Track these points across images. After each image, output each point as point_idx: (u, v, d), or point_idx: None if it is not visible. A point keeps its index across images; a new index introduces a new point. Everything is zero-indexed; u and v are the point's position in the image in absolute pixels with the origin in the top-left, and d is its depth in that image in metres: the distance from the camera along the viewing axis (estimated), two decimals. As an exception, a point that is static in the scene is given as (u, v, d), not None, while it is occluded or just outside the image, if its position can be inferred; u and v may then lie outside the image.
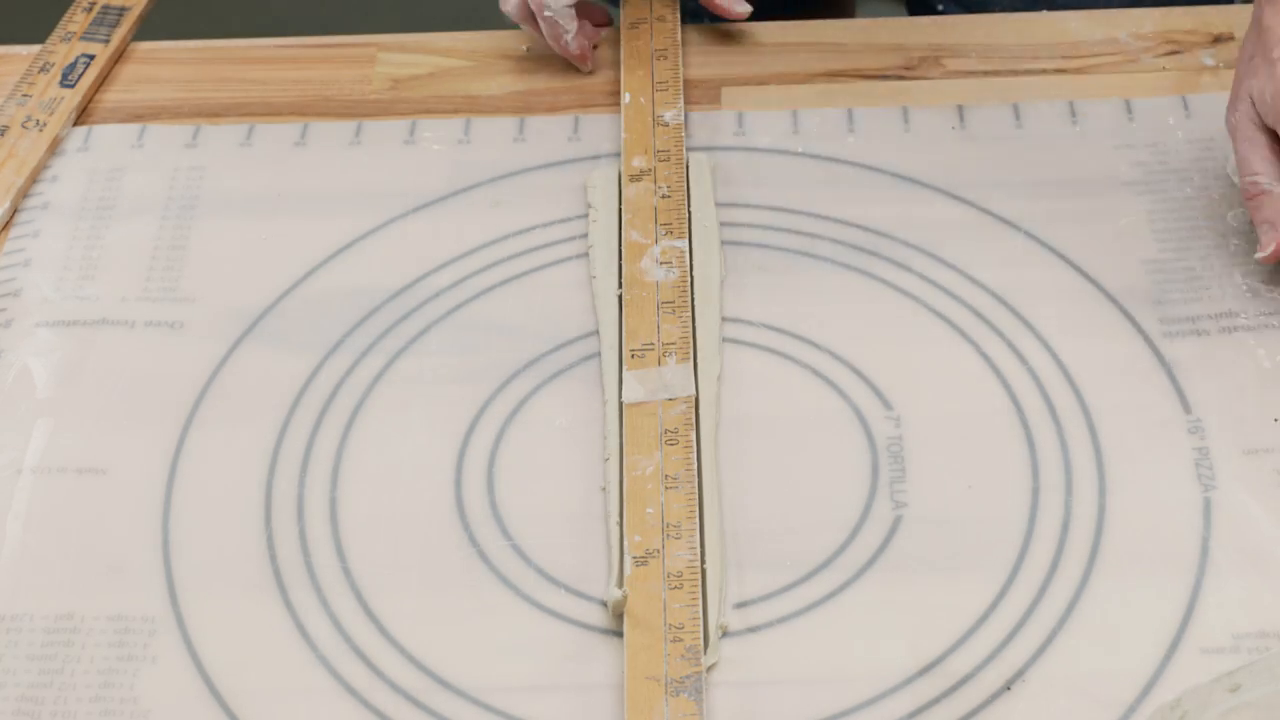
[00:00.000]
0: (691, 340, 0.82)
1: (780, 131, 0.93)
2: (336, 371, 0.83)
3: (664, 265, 0.85)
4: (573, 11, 0.94)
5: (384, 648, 0.72)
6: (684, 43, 0.98)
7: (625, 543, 0.74)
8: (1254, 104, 0.80)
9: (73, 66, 0.98)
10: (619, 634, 0.72)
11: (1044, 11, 1.00)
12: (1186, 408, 0.79)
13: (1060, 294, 0.84)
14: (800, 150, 0.92)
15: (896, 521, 0.75)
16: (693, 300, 0.84)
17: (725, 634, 0.72)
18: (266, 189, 0.92)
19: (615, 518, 0.75)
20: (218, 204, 0.91)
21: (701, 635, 0.71)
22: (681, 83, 0.95)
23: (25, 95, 0.96)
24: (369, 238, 0.89)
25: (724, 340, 0.83)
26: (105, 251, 0.89)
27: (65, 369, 0.83)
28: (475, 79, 0.98)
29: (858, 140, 0.92)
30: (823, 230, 0.88)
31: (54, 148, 0.94)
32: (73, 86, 0.97)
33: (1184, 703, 0.63)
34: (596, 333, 0.83)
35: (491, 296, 0.86)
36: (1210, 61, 0.95)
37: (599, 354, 0.82)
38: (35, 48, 1.00)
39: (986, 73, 0.96)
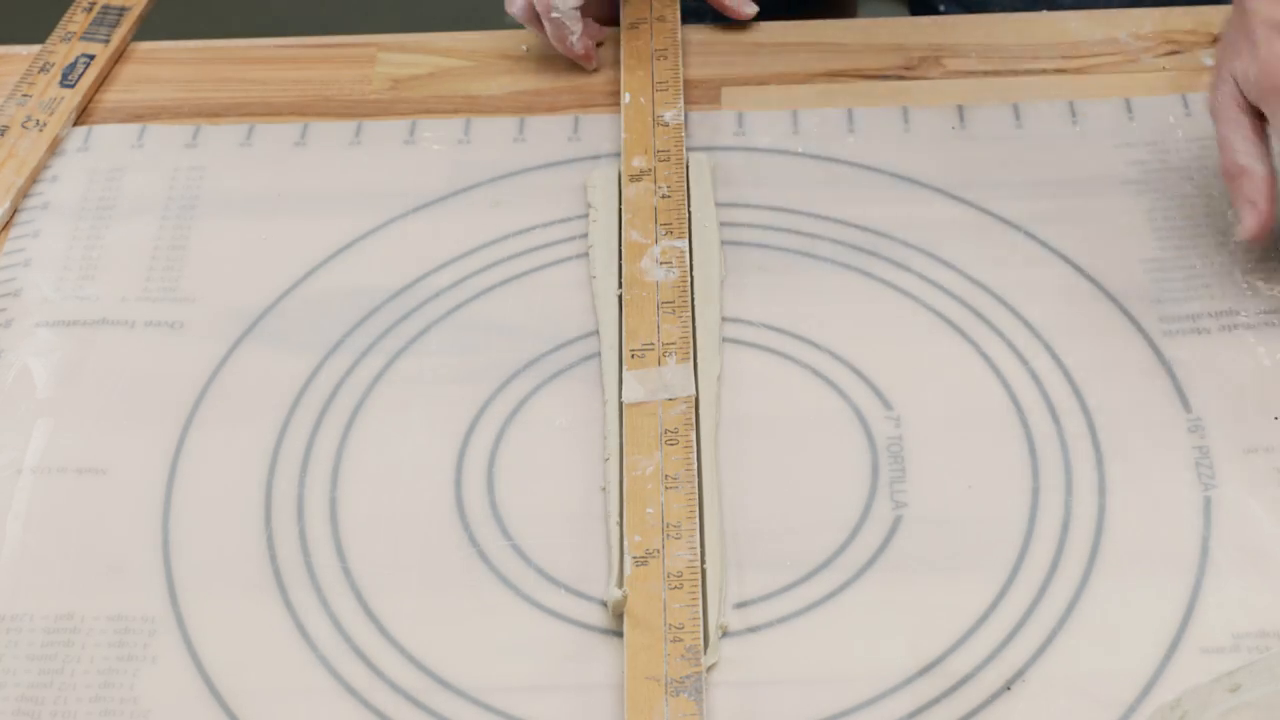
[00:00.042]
0: (691, 340, 0.82)
1: (780, 131, 0.93)
2: (336, 371, 0.83)
3: (664, 265, 0.85)
4: (578, 13, 0.95)
5: (384, 648, 0.72)
6: (684, 42, 0.98)
7: (625, 543, 0.74)
8: (1237, 84, 0.79)
9: (73, 66, 0.98)
10: (619, 634, 0.72)
11: (1044, 11, 1.00)
12: (1186, 406, 0.79)
13: (1060, 294, 0.84)
14: (800, 150, 0.92)
15: (896, 521, 0.75)
16: (693, 300, 0.84)
17: (725, 634, 0.72)
18: (266, 189, 0.92)
19: (615, 518, 0.75)
20: (218, 204, 0.91)
21: (701, 635, 0.71)
22: (681, 83, 0.95)
23: (25, 95, 0.96)
24: (369, 238, 0.89)
25: (724, 340, 0.83)
26: (105, 251, 0.89)
27: (65, 369, 0.83)
28: (475, 79, 0.98)
29: (858, 140, 0.92)
30: (823, 230, 0.88)
31: (54, 148, 0.94)
32: (73, 86, 0.97)
33: (1184, 703, 0.63)
34: (596, 333, 0.83)
35: (491, 296, 0.86)
36: (1210, 61, 0.94)
37: (599, 354, 0.82)
38: (35, 48, 1.00)
39: (986, 73, 0.96)
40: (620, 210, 0.88)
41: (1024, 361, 0.81)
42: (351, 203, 0.90)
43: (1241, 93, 0.79)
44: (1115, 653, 0.70)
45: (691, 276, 0.85)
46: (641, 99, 0.94)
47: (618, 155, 0.91)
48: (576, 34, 0.95)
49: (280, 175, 0.92)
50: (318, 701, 0.71)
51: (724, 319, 0.84)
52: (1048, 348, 0.82)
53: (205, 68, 0.99)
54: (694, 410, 0.79)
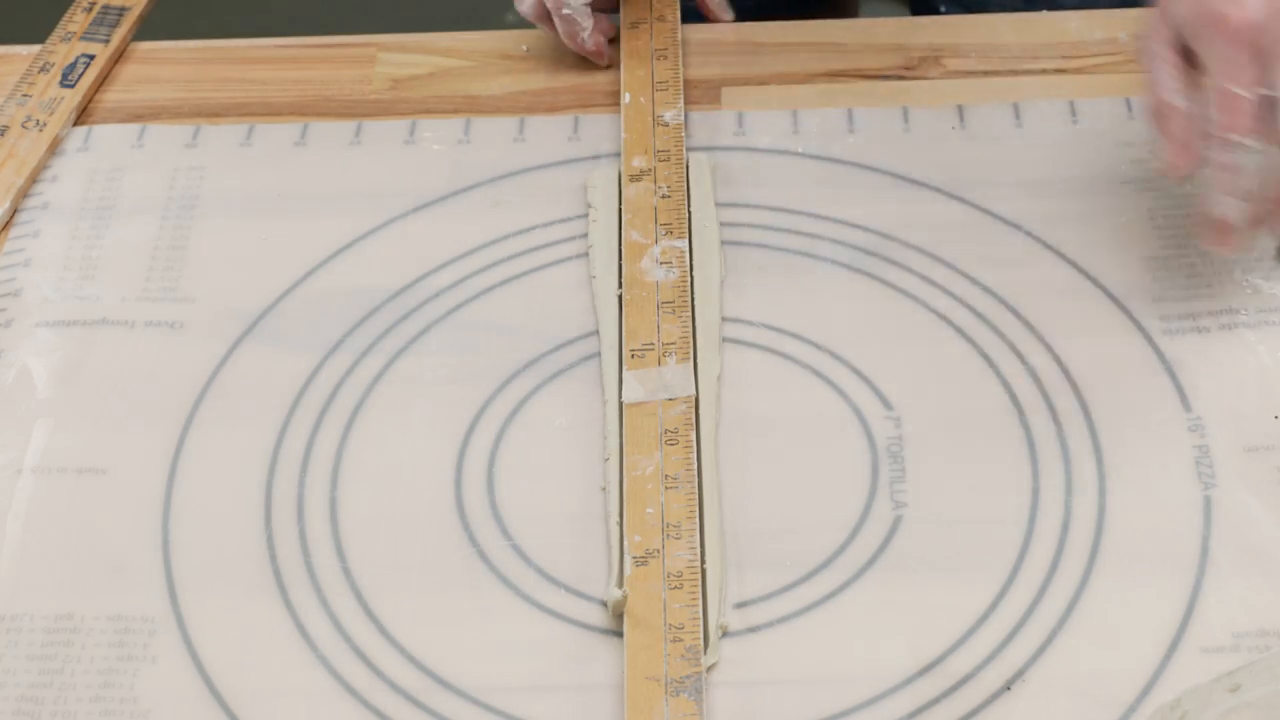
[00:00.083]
0: (691, 340, 0.82)
1: (780, 131, 0.93)
2: (336, 371, 0.83)
3: (664, 265, 0.85)
4: (589, 9, 0.94)
5: (384, 648, 0.72)
6: (684, 42, 0.98)
7: (625, 543, 0.74)
8: (1169, 24, 0.78)
9: (73, 66, 0.98)
10: (619, 634, 0.72)
11: (1044, 11, 1.00)
12: (1187, 406, 0.79)
13: (1060, 293, 0.84)
14: (800, 150, 0.92)
15: (896, 521, 0.75)
16: (693, 300, 0.84)
17: (725, 634, 0.72)
18: (266, 189, 0.92)
19: (615, 518, 0.75)
20: (218, 204, 0.91)
21: (701, 635, 0.71)
22: (681, 82, 0.95)
23: (25, 95, 0.96)
24: (369, 238, 0.89)
25: (724, 340, 0.83)
26: (105, 251, 0.89)
27: (65, 369, 0.83)
28: (475, 79, 0.98)
29: (858, 140, 0.92)
30: (823, 230, 0.88)
31: (54, 148, 0.94)
32: (73, 86, 0.97)
33: (1184, 703, 0.63)
34: (596, 333, 0.83)
35: (491, 296, 0.86)
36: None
37: (599, 354, 0.82)
38: (35, 48, 1.00)
39: (986, 73, 0.96)
40: (620, 210, 0.88)
41: (1024, 361, 0.81)
42: (351, 203, 0.90)
43: (1174, 33, 0.78)
44: (1115, 653, 0.70)
45: (691, 276, 0.85)
46: (641, 99, 0.94)
47: (618, 155, 0.91)
48: (588, 30, 0.95)
49: (280, 175, 0.92)
50: (318, 701, 0.71)
51: (724, 319, 0.84)
52: (1048, 348, 0.82)
53: (205, 68, 0.99)
54: (694, 410, 0.79)
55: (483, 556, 0.75)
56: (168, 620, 0.73)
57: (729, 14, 0.99)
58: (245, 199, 0.91)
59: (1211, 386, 0.79)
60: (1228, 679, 0.63)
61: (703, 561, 0.73)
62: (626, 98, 0.94)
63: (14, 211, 0.91)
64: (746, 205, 0.89)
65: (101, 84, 0.98)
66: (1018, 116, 0.92)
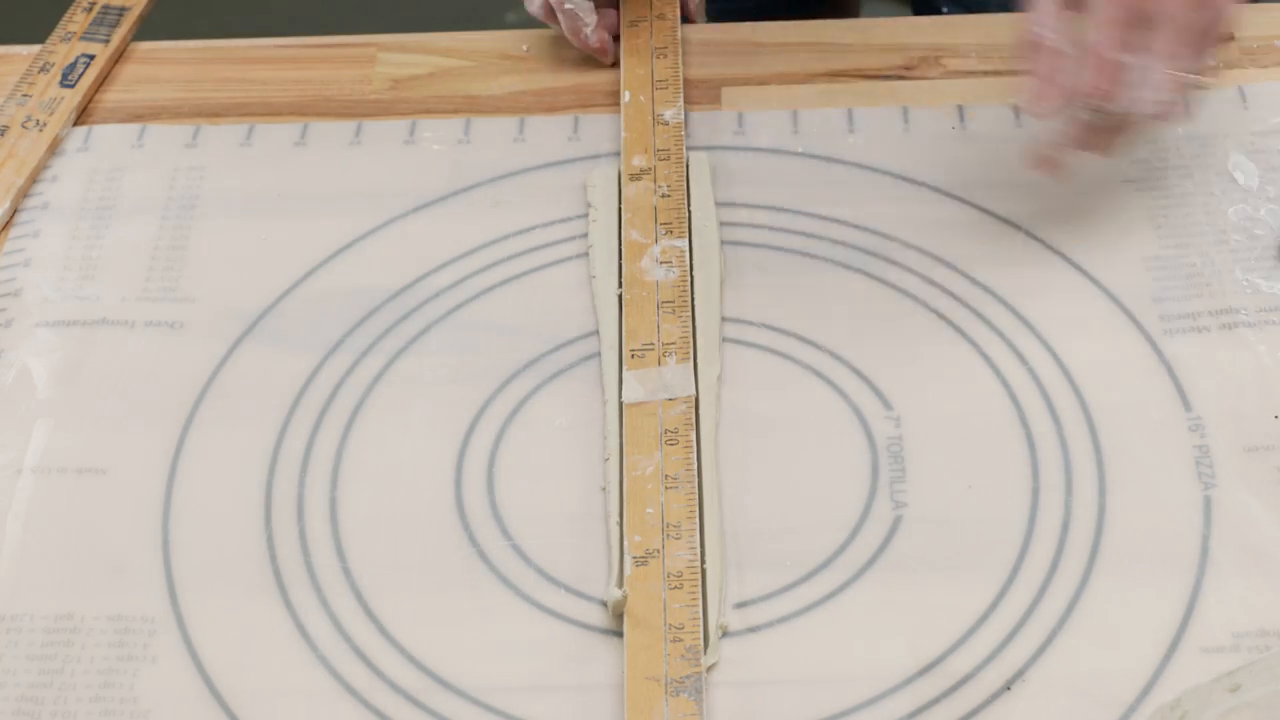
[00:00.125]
0: (691, 340, 0.82)
1: (780, 131, 0.93)
2: (336, 371, 0.83)
3: (664, 265, 0.85)
4: (592, 5, 0.94)
5: (384, 648, 0.72)
6: (684, 42, 0.98)
7: (625, 543, 0.74)
8: None
9: (73, 66, 0.98)
10: (619, 634, 0.72)
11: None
12: (1186, 405, 0.79)
13: (1060, 293, 0.84)
14: (800, 150, 0.92)
15: (896, 521, 0.75)
16: (693, 300, 0.84)
17: (725, 634, 0.72)
18: (266, 189, 0.92)
19: (615, 518, 0.75)
20: (218, 204, 0.91)
21: (701, 635, 0.71)
22: (681, 81, 0.95)
23: (25, 95, 0.96)
24: (369, 238, 0.89)
25: (724, 340, 0.83)
26: (105, 251, 0.89)
27: (65, 369, 0.83)
28: (475, 79, 0.98)
29: (858, 140, 0.92)
30: (823, 230, 0.88)
31: (54, 148, 0.94)
32: (73, 86, 0.97)
33: (1184, 703, 0.63)
34: (596, 333, 0.83)
35: (491, 296, 0.86)
36: (1210, 61, 0.94)
37: (599, 354, 0.82)
38: (35, 48, 1.00)
39: (986, 73, 0.96)
40: (620, 209, 0.88)
41: (1024, 361, 0.81)
42: (351, 203, 0.90)
43: None
44: (1115, 653, 0.70)
45: (691, 276, 0.85)
46: (641, 97, 0.94)
47: (617, 155, 0.91)
48: (591, 26, 0.95)
49: (280, 175, 0.92)
50: (318, 701, 0.71)
51: (724, 319, 0.84)
52: (1048, 348, 0.82)
53: (205, 68, 0.99)
54: (694, 410, 0.79)
55: (483, 556, 0.75)
56: (168, 620, 0.73)
57: (700, 17, 0.99)
58: (245, 199, 0.91)
59: (1211, 386, 0.79)
60: (1228, 679, 0.63)
61: (703, 561, 0.73)
62: (626, 96, 0.94)
63: (14, 211, 0.91)
64: (746, 205, 0.89)
65: (101, 84, 0.98)
66: (1017, 116, 0.92)
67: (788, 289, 0.85)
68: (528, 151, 0.93)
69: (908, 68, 0.96)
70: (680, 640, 0.70)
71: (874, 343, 0.82)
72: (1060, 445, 0.78)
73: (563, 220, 0.89)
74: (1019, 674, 0.70)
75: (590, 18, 0.95)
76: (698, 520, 0.74)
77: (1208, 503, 0.75)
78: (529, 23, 0.99)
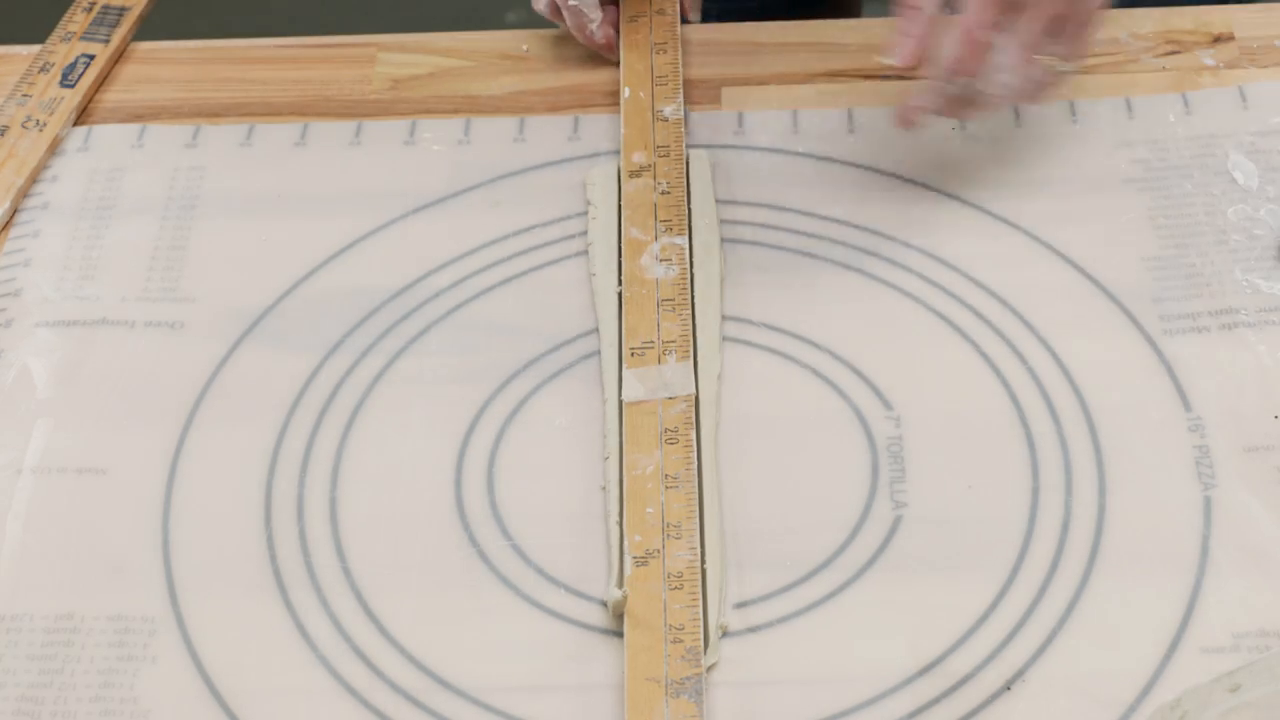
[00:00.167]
0: (691, 338, 0.82)
1: (780, 131, 0.93)
2: (336, 371, 0.83)
3: (664, 262, 0.85)
4: (596, 1, 0.94)
5: (384, 648, 0.72)
6: (684, 42, 0.98)
7: (625, 542, 0.74)
8: None
9: (73, 66, 0.98)
10: (619, 634, 0.72)
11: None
12: (1186, 405, 0.79)
13: (1060, 293, 0.84)
14: (800, 150, 0.92)
15: (896, 521, 0.75)
16: (693, 299, 0.84)
17: (725, 634, 0.72)
18: (266, 189, 0.92)
19: (615, 517, 0.75)
20: (218, 204, 0.91)
21: (701, 635, 0.71)
22: (681, 77, 0.95)
23: (25, 95, 0.96)
24: (369, 238, 0.89)
25: (724, 340, 0.83)
26: (105, 251, 0.89)
27: (65, 369, 0.83)
28: (475, 79, 0.98)
29: (858, 140, 0.92)
30: (823, 230, 0.88)
31: (54, 148, 0.94)
32: (73, 86, 0.97)
33: (1184, 703, 0.63)
34: (596, 331, 0.83)
35: (491, 296, 0.86)
36: (1210, 61, 0.95)
37: (599, 353, 0.82)
38: (35, 48, 1.00)
39: (986, 72, 0.96)
40: (620, 207, 0.88)
41: (1024, 361, 0.81)
42: (351, 203, 0.90)
43: None
44: (1115, 653, 0.70)
45: (692, 275, 0.85)
46: (641, 93, 0.93)
47: (617, 154, 0.91)
48: (596, 21, 0.95)
49: (280, 175, 0.92)
50: (318, 701, 0.71)
51: (724, 319, 0.84)
52: (1048, 348, 0.82)
53: (205, 68, 0.99)
54: (694, 409, 0.79)
55: (483, 556, 0.75)
56: (168, 620, 0.73)
57: (695, 14, 0.99)
58: (245, 199, 0.91)
59: (1211, 386, 0.79)
60: (1228, 679, 0.63)
61: (703, 561, 0.73)
62: (626, 92, 0.94)
63: (14, 211, 0.91)
64: (746, 205, 0.89)
65: (101, 84, 0.98)
66: (1018, 116, 0.92)
67: (788, 289, 0.85)
68: (528, 151, 0.93)
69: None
70: (680, 641, 0.70)
71: (874, 343, 0.82)
72: (1060, 445, 0.78)
73: (562, 219, 0.89)
74: (1019, 674, 0.70)
75: (595, 14, 0.94)
76: (698, 520, 0.74)
77: (1208, 503, 0.75)
78: (529, 23, 0.99)
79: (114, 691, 0.71)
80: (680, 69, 0.95)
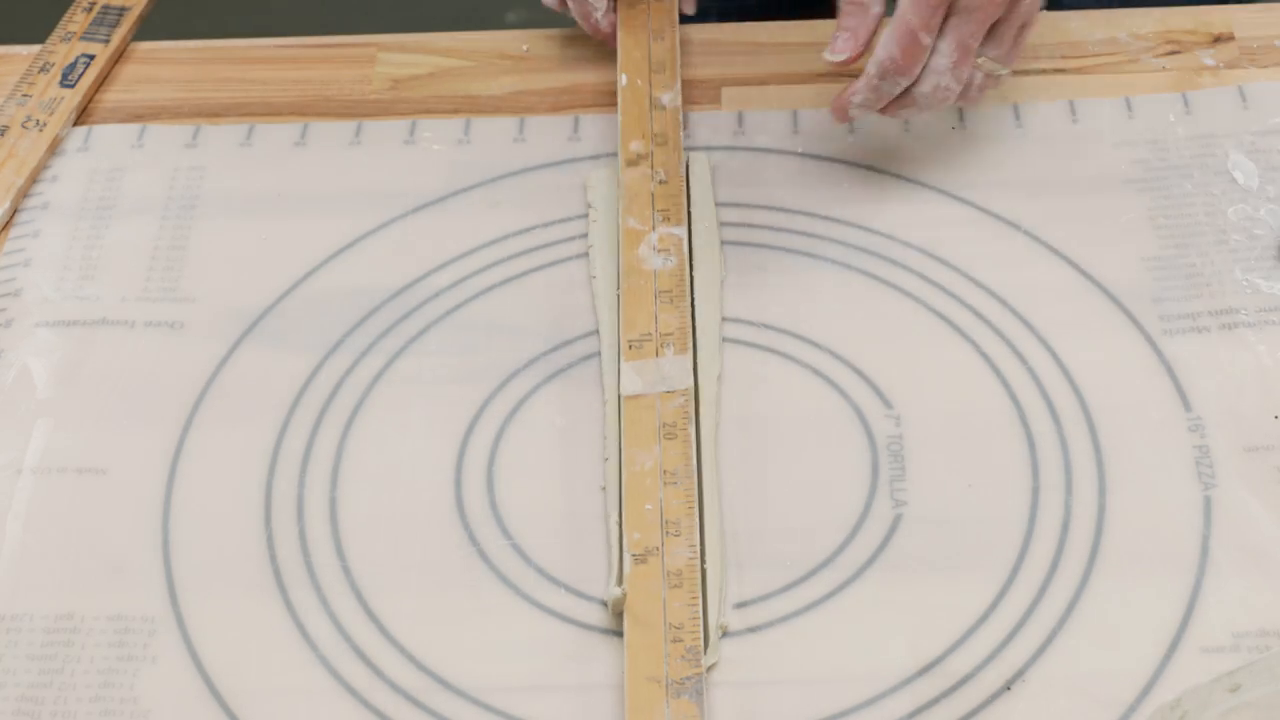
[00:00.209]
0: (690, 331, 0.82)
1: (780, 131, 0.93)
2: (336, 371, 0.83)
3: (661, 253, 0.85)
4: None
5: (384, 648, 0.72)
6: (684, 42, 0.98)
7: (625, 540, 0.74)
8: None
9: (73, 66, 0.98)
10: (619, 634, 0.72)
11: (1044, 11, 1.00)
12: (1186, 405, 0.79)
13: (1060, 293, 0.84)
14: (800, 150, 0.92)
15: (896, 521, 0.75)
16: (692, 295, 0.84)
17: (725, 634, 0.72)
18: (266, 189, 0.92)
19: (615, 517, 0.75)
20: (218, 204, 0.91)
21: (701, 635, 0.71)
22: (679, 64, 0.94)
23: (25, 95, 0.96)
24: (369, 238, 0.89)
25: (724, 340, 0.83)
26: (105, 251, 0.89)
27: (65, 369, 0.83)
28: (475, 79, 0.98)
29: (858, 140, 0.92)
30: (823, 230, 0.88)
31: (54, 148, 0.94)
32: (73, 86, 0.97)
33: (1184, 703, 0.63)
34: (596, 332, 0.83)
35: (491, 296, 0.86)
36: (1210, 61, 0.95)
37: (599, 353, 0.82)
38: (35, 48, 1.00)
39: (986, 73, 0.96)
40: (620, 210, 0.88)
41: (1024, 361, 0.81)
42: (351, 203, 0.90)
43: None
44: (1115, 653, 0.70)
45: (691, 275, 0.85)
46: (639, 81, 0.93)
47: (617, 155, 0.91)
48: (601, 9, 0.94)
49: (280, 175, 0.92)
50: (318, 701, 0.71)
51: (724, 319, 0.84)
52: (1048, 348, 0.82)
53: (205, 68, 0.99)
54: (692, 404, 0.79)
55: (483, 556, 0.75)
56: (168, 620, 0.73)
57: (691, 7, 0.99)
58: (245, 199, 0.91)
59: (1211, 386, 0.79)
60: (1228, 679, 0.63)
61: (703, 561, 0.73)
62: (623, 79, 0.93)
63: (14, 211, 0.91)
64: (746, 205, 0.89)
65: (101, 84, 0.98)
66: (1018, 116, 0.92)
67: (788, 289, 0.85)
68: (527, 151, 0.93)
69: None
70: (680, 640, 0.70)
71: (874, 343, 0.82)
72: (1060, 445, 0.78)
73: (562, 220, 0.89)
74: (1019, 674, 0.70)
75: (601, 2, 0.94)
76: (697, 518, 0.74)
77: (1208, 503, 0.75)
78: (529, 23, 0.99)
79: (114, 691, 0.71)
80: (678, 56, 0.95)
